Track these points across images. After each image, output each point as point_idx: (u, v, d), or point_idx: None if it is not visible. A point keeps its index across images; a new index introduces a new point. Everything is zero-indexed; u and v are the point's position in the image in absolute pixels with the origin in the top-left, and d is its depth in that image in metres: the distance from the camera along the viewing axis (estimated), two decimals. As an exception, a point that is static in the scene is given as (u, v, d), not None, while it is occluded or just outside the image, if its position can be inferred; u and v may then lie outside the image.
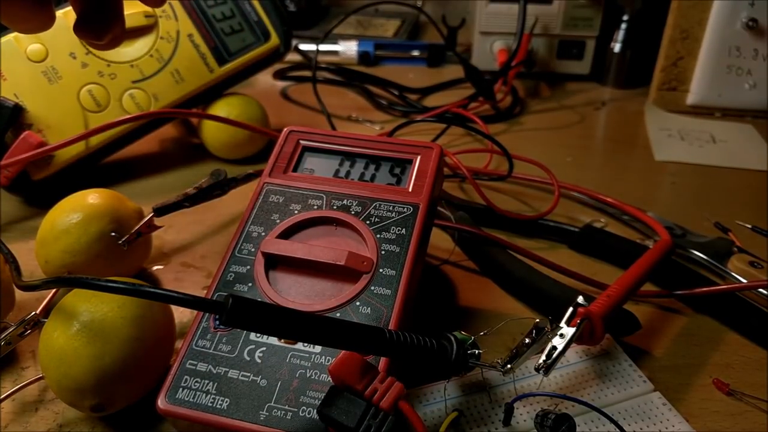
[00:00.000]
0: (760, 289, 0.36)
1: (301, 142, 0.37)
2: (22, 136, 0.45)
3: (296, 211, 0.33)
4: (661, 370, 0.32)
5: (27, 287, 0.29)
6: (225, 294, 0.26)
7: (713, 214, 0.45)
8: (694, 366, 0.33)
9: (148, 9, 0.50)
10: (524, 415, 0.28)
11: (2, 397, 0.30)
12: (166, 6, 0.51)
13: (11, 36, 0.47)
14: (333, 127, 0.60)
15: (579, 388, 0.30)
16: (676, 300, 0.37)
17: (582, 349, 0.32)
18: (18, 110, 0.46)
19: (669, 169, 0.55)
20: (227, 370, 0.27)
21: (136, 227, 0.37)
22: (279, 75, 0.73)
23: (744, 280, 0.38)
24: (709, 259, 0.40)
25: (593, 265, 0.41)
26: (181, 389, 0.27)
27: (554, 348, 0.28)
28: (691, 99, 0.65)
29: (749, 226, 0.44)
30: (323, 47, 0.78)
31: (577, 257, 0.42)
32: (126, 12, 0.48)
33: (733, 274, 0.39)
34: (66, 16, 0.48)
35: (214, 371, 0.28)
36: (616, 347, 0.32)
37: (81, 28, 0.29)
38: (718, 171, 0.54)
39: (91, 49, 0.49)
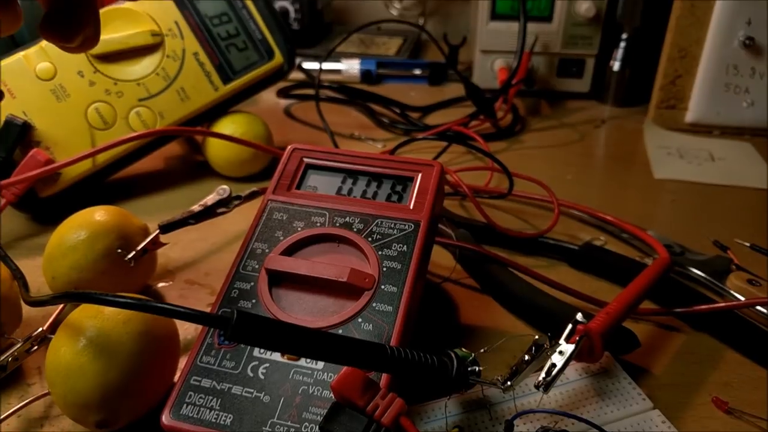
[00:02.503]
0: (759, 307, 0.37)
1: (305, 159, 0.38)
2: (30, 153, 0.46)
3: (299, 228, 0.34)
4: (660, 388, 0.33)
5: (35, 302, 0.30)
6: (229, 310, 0.26)
7: (712, 232, 0.46)
8: (694, 384, 0.33)
9: (155, 27, 0.51)
10: (524, 432, 0.28)
11: (8, 413, 0.30)
12: (172, 25, 0.52)
13: (21, 54, 0.48)
14: (336, 145, 0.61)
15: (579, 405, 0.30)
16: (675, 318, 0.38)
17: (581, 366, 0.32)
18: (26, 128, 0.47)
19: (668, 186, 0.55)
20: (231, 386, 0.28)
21: (142, 244, 0.37)
22: (282, 93, 0.74)
23: (742, 298, 0.38)
24: (707, 277, 0.40)
25: (593, 283, 0.41)
26: (185, 405, 0.27)
27: (554, 365, 0.28)
28: (689, 117, 0.66)
29: (748, 244, 0.44)
30: (326, 66, 0.79)
31: (577, 275, 0.42)
32: (133, 30, 0.50)
33: (732, 292, 0.39)
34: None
35: (218, 387, 0.28)
36: (615, 365, 0.32)
37: (47, 29, 0.25)
38: (717, 189, 0.55)
39: (98, 67, 0.49)
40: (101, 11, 0.50)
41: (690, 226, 0.48)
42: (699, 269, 0.41)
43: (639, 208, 0.51)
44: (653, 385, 0.33)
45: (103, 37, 0.48)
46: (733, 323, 0.36)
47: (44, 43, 0.49)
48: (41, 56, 0.48)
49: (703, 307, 0.36)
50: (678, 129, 0.66)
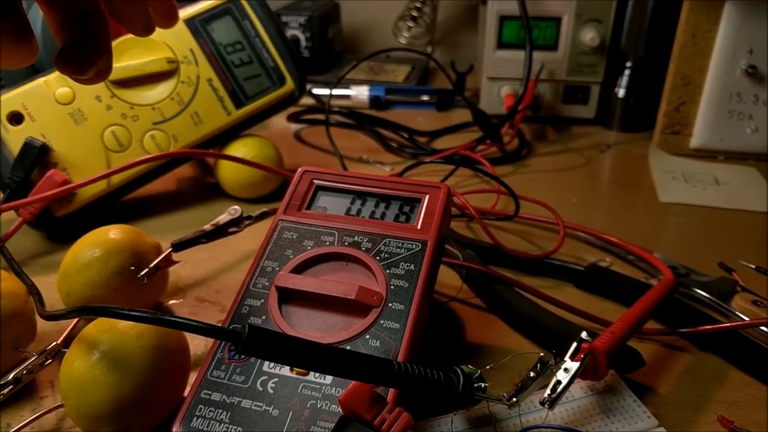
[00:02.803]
0: (763, 328, 0.37)
1: (315, 181, 0.38)
2: (47, 174, 0.47)
3: (309, 247, 0.35)
4: (665, 407, 0.33)
5: (51, 317, 0.30)
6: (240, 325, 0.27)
7: (717, 255, 0.46)
8: (699, 403, 0.33)
9: (171, 55, 0.53)
10: (530, 448, 0.29)
11: (21, 424, 0.31)
12: (187, 52, 0.54)
13: (41, 80, 0.50)
14: (345, 168, 0.62)
15: (584, 422, 0.30)
16: (680, 338, 0.38)
17: (587, 384, 0.32)
18: (45, 150, 0.48)
19: (673, 210, 0.56)
20: (240, 399, 0.28)
21: (155, 262, 0.38)
22: (293, 118, 0.75)
23: (747, 319, 0.38)
24: (712, 297, 0.41)
25: (598, 303, 0.42)
26: (195, 418, 0.28)
27: (559, 382, 0.29)
28: (694, 142, 0.66)
29: (753, 266, 0.44)
30: (336, 92, 0.80)
31: (583, 295, 0.43)
32: (149, 58, 0.52)
33: (737, 312, 0.39)
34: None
35: (228, 401, 0.28)
36: (620, 383, 0.32)
37: (62, 63, 0.27)
38: (721, 212, 0.55)
39: (115, 92, 0.51)
40: (120, 39, 0.52)
41: (695, 248, 0.49)
42: (704, 290, 0.41)
43: (644, 230, 0.52)
44: (659, 404, 0.33)
45: (120, 63, 0.51)
46: (739, 343, 0.36)
47: (64, 68, 0.50)
48: (61, 82, 0.50)
49: (708, 327, 0.36)
50: (683, 154, 0.67)
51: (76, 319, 0.35)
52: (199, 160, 0.63)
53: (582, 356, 0.30)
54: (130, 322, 0.30)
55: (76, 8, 0.28)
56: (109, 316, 0.27)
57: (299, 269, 0.34)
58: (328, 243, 0.35)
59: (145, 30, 0.32)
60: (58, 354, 0.33)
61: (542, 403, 0.28)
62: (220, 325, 0.32)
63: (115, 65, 0.50)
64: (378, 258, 0.34)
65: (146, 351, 0.29)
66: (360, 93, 0.81)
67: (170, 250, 0.39)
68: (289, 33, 0.88)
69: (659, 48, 0.69)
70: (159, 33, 0.52)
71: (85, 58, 0.28)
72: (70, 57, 0.27)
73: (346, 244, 0.35)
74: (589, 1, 0.69)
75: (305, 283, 0.32)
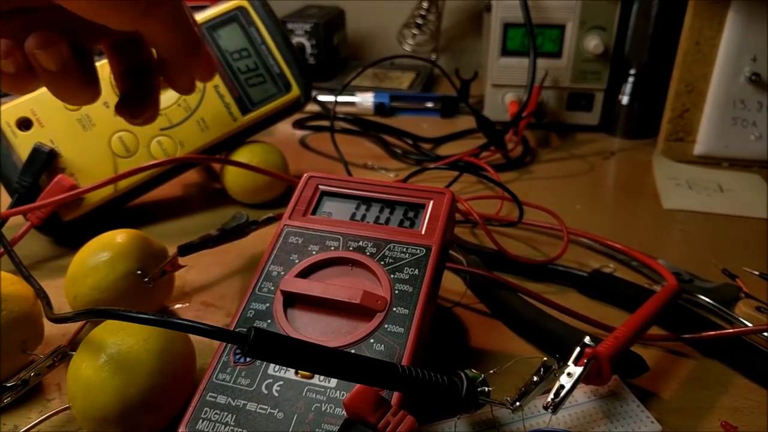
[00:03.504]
0: (766, 334, 0.37)
1: (320, 186, 0.39)
2: (55, 179, 0.47)
3: (314, 252, 0.35)
4: (669, 412, 0.33)
5: (59, 319, 0.31)
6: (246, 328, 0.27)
7: (721, 261, 0.46)
8: (703, 409, 0.33)
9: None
10: (533, 453, 0.29)
11: (28, 426, 0.31)
12: (194, 59, 0.54)
13: (50, 86, 0.50)
14: (350, 174, 0.62)
15: (587, 427, 0.30)
16: (683, 344, 0.38)
17: (590, 389, 0.32)
18: (53, 155, 0.49)
19: (677, 216, 0.56)
20: (246, 402, 0.29)
21: (161, 266, 0.38)
22: (298, 124, 0.76)
23: (750, 325, 0.38)
24: (716, 304, 0.41)
25: (602, 309, 0.42)
26: (201, 420, 0.28)
27: (562, 386, 0.29)
28: (698, 149, 0.67)
29: (757, 272, 0.44)
30: (341, 98, 0.81)
31: (586, 301, 0.43)
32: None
33: (740, 319, 0.39)
34: (102, 68, 0.51)
35: (233, 404, 0.29)
36: (623, 388, 0.32)
37: (121, 108, 0.34)
38: (725, 219, 0.55)
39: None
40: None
41: (699, 255, 0.49)
42: (707, 296, 0.41)
43: (648, 237, 0.52)
44: (662, 410, 0.33)
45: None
46: (742, 349, 0.36)
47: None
48: (69, 87, 0.50)
49: (712, 333, 0.36)
50: (687, 161, 0.67)
51: (84, 322, 0.36)
52: (205, 166, 0.63)
53: (585, 361, 0.30)
54: (137, 325, 0.30)
55: (135, 63, 0.34)
56: (117, 319, 0.27)
57: (304, 274, 0.34)
58: (333, 248, 0.35)
59: (188, 90, 0.37)
60: (65, 356, 0.33)
61: (546, 408, 0.28)
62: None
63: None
64: (382, 263, 0.34)
65: (153, 354, 0.30)
66: (365, 100, 0.82)
67: (176, 254, 0.39)
68: (295, 40, 0.89)
69: (663, 55, 0.69)
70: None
71: (138, 108, 0.34)
72: (126, 105, 0.34)
73: (351, 248, 0.35)
74: (593, 9, 0.70)
75: (310, 287, 0.33)
